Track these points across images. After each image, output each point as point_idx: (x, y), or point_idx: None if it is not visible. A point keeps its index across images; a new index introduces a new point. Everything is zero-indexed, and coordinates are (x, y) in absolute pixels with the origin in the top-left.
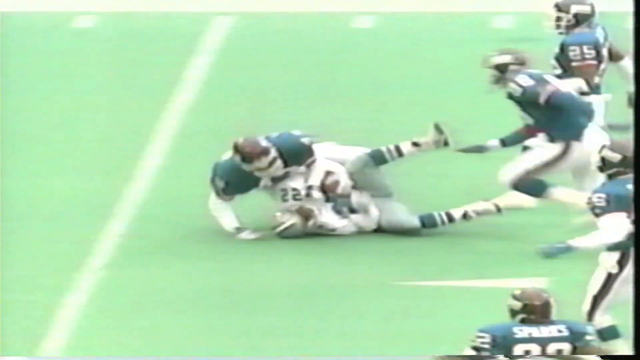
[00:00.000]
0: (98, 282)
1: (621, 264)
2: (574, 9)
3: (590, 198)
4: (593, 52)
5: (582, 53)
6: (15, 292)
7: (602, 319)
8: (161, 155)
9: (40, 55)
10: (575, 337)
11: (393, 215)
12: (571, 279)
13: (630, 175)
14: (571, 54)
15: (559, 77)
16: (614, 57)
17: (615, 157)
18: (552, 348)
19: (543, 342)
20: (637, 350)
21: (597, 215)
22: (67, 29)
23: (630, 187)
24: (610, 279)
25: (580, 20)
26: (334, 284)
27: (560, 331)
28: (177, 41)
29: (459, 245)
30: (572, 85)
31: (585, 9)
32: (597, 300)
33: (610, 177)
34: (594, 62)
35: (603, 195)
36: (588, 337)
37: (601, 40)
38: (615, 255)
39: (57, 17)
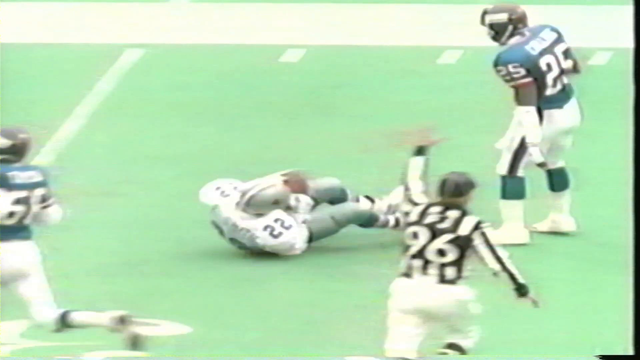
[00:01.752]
0: None
1: None
2: (488, 19)
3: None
4: (521, 70)
5: (509, 73)
6: None
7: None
8: None
9: None
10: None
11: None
12: None
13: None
14: (501, 74)
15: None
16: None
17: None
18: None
19: (30, 188)
20: (637, 350)
21: None
22: None
23: None
24: None
25: (498, 30)
26: None
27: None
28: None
29: None
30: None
31: (499, 17)
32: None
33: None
34: (526, 79)
35: None
36: None
37: (536, 51)
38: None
39: None
